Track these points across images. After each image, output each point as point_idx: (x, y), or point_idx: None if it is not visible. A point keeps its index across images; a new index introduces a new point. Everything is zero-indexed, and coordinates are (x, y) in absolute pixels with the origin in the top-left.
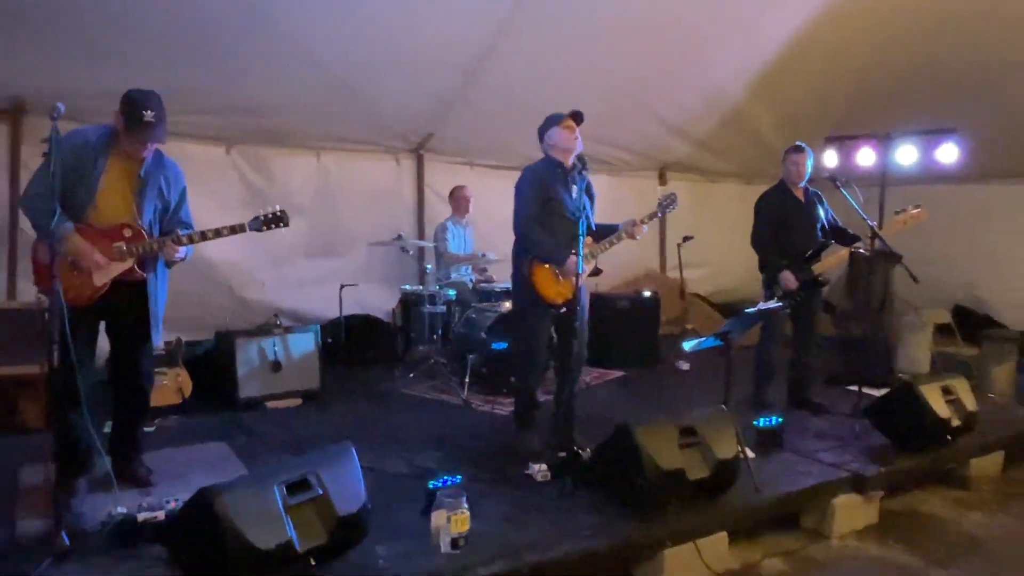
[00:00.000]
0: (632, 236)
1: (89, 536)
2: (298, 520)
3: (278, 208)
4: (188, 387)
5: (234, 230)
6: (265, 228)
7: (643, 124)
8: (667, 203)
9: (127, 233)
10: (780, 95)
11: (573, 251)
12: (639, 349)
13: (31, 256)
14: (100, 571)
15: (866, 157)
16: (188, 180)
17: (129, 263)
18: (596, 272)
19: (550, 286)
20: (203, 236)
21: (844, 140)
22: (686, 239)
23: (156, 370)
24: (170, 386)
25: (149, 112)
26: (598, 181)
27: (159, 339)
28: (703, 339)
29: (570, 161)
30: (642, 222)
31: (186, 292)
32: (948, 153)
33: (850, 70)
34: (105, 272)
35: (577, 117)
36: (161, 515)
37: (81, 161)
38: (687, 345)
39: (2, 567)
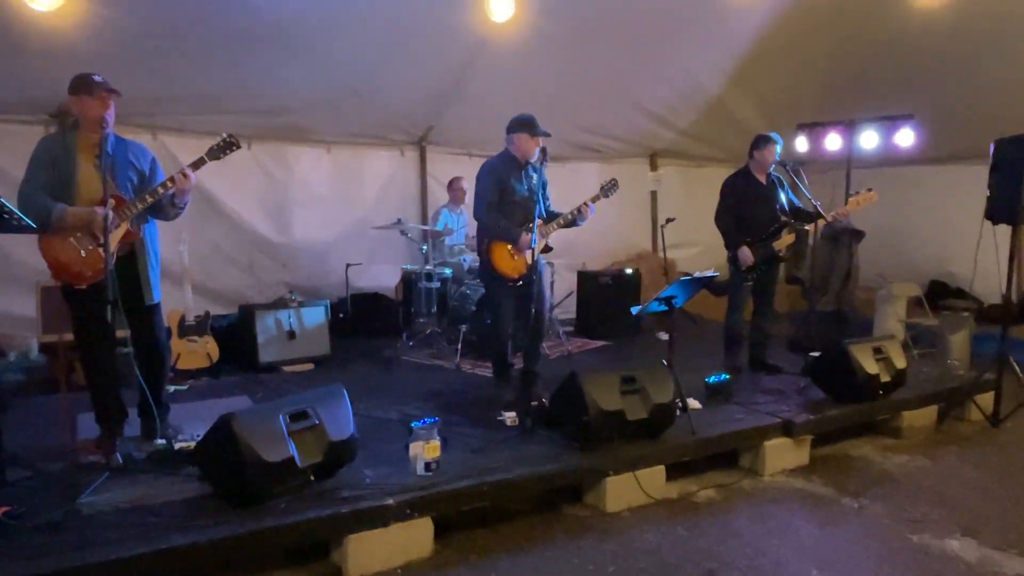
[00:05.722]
0: (576, 218)
1: (136, 461)
2: (299, 442)
3: (225, 135)
4: (216, 353)
5: (196, 165)
6: (222, 155)
7: (630, 115)
8: (609, 187)
9: (111, 203)
10: (755, 87)
11: (525, 230)
12: (621, 321)
13: (41, 254)
14: (145, 484)
15: (833, 142)
16: (215, 175)
17: (124, 227)
18: (547, 249)
19: (507, 262)
20: (184, 175)
21: (814, 127)
22: (668, 220)
23: (188, 338)
24: (200, 352)
25: (97, 75)
26: (591, 168)
27: (158, 295)
28: (649, 303)
29: (529, 159)
30: (586, 204)
31: (215, 273)
32: (906, 137)
33: (818, 61)
34: (111, 237)
35: (545, 136)
36: (193, 445)
37: (56, 155)
38: (634, 310)
39: (70, 479)
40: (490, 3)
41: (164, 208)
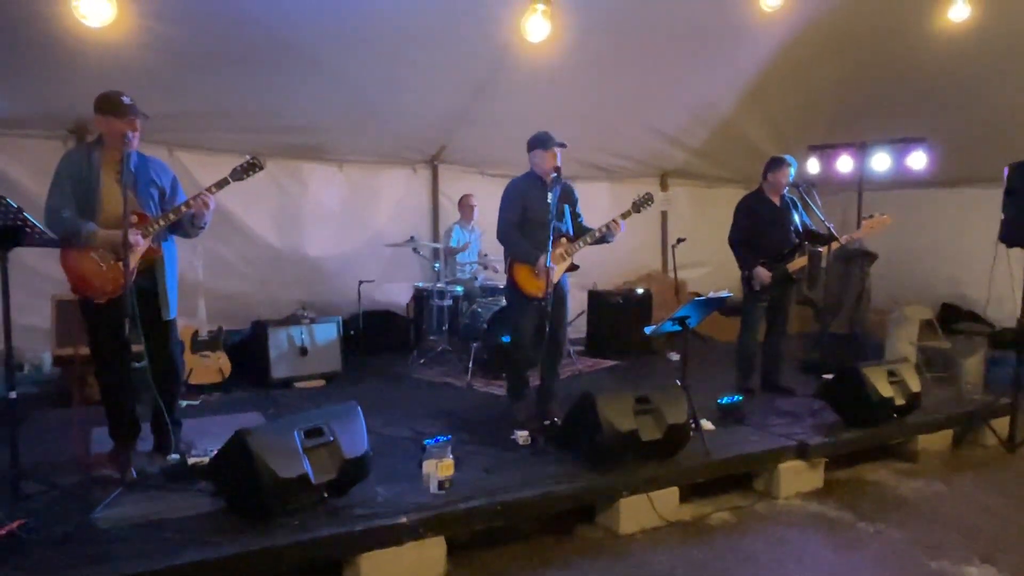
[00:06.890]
0: (605, 234)
1: (150, 476)
2: (313, 459)
3: (249, 157)
4: (228, 368)
5: (219, 185)
6: (245, 176)
7: (642, 136)
8: (641, 202)
9: (133, 219)
10: (767, 109)
11: (543, 252)
12: (632, 341)
13: (62, 268)
14: (158, 499)
15: (845, 164)
16: (230, 191)
17: (147, 243)
18: (572, 268)
19: (529, 282)
20: (209, 190)
21: (825, 149)
22: (679, 241)
23: (201, 353)
24: (212, 367)
25: (126, 97)
26: (601, 188)
27: (174, 312)
28: (662, 323)
29: (551, 176)
30: (615, 221)
31: (229, 288)
32: (917, 160)
33: (830, 83)
34: (133, 254)
35: (560, 146)
36: (206, 460)
37: (80, 171)
38: (648, 330)
39: (84, 493)
40: (526, 25)
41: (185, 227)
